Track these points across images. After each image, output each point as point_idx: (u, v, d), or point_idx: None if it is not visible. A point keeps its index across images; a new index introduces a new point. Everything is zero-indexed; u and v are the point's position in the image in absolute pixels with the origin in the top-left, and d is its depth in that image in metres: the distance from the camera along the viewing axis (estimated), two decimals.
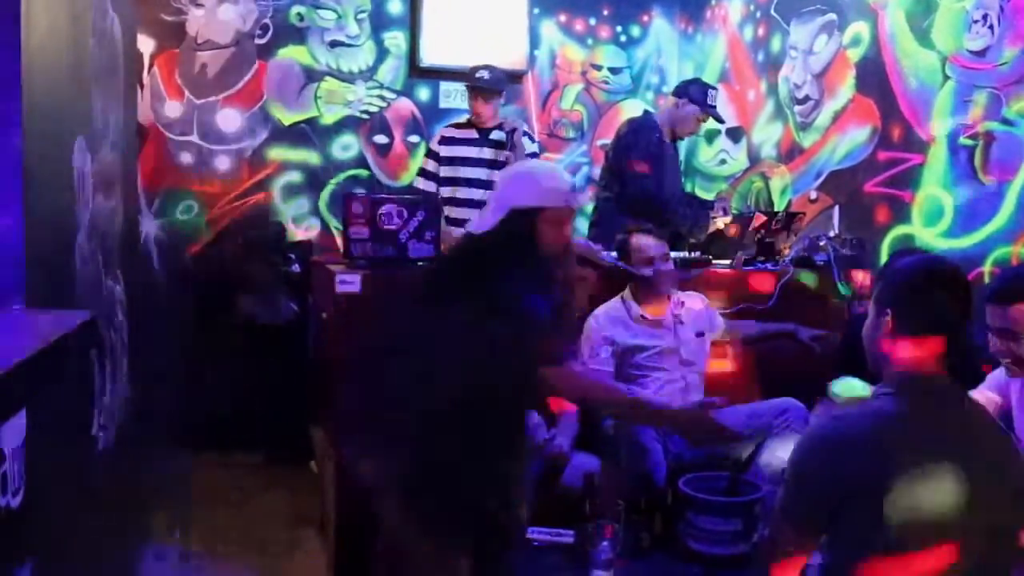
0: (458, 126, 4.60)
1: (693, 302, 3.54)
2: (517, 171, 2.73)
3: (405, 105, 5.52)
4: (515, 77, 5.58)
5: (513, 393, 2.27)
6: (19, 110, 2.14)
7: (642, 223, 3.57)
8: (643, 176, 4.17)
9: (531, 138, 4.56)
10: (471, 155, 4.49)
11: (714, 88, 4.48)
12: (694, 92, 4.40)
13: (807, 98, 4.73)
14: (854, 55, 4.35)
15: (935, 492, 1.75)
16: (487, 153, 4.46)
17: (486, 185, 4.33)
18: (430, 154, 4.62)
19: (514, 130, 4.38)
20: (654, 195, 4.15)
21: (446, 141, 4.55)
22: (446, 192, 4.50)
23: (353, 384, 2.41)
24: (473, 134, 4.51)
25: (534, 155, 4.47)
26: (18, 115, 2.14)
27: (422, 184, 4.59)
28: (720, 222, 4.27)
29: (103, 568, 3.06)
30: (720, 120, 4.68)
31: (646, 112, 4.72)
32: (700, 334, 3.48)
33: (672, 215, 4.20)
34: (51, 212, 2.45)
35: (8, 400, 1.58)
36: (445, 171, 4.52)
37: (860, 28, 4.31)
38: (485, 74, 4.43)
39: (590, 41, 5.93)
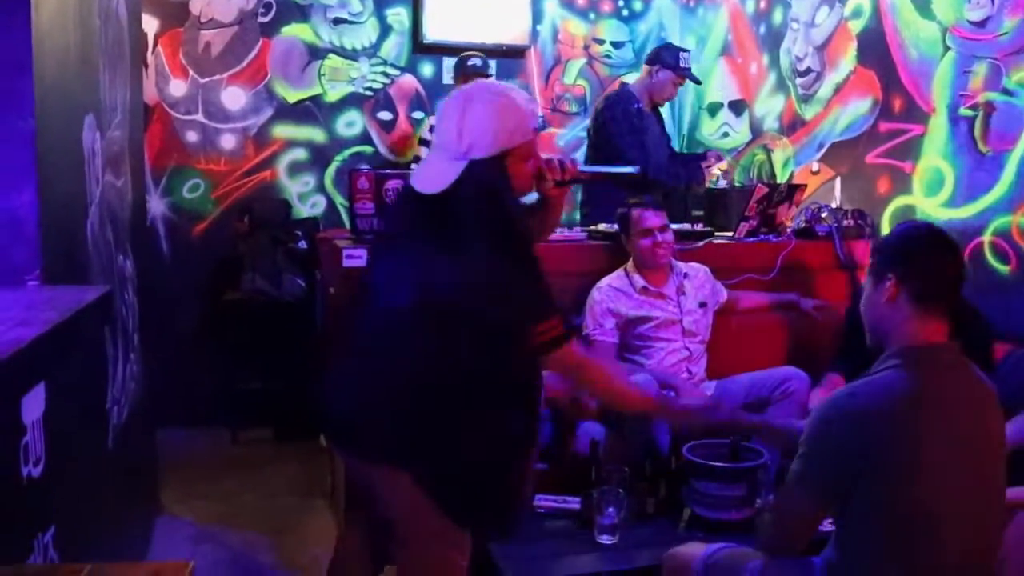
0: None
1: (696, 273, 3.58)
2: (467, 111, 2.10)
3: (408, 81, 5.54)
4: (517, 52, 5.59)
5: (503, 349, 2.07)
6: (31, 89, 2.18)
7: (641, 196, 3.60)
8: (625, 148, 4.22)
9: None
10: None
11: (685, 51, 4.57)
12: (666, 57, 4.47)
13: (809, 70, 4.74)
14: (855, 27, 4.36)
15: (949, 467, 1.79)
16: None
17: None
18: (432, 128, 4.68)
19: None
20: (639, 163, 4.20)
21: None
22: None
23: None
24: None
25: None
26: (30, 95, 2.18)
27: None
28: (716, 169, 4.43)
29: (119, 537, 3.12)
30: (696, 80, 4.75)
31: (622, 84, 4.76)
32: (703, 305, 3.52)
33: (661, 180, 4.28)
34: (63, 190, 2.49)
35: (28, 373, 1.63)
36: None
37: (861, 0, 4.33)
38: (478, 61, 4.75)
39: (592, 15, 5.93)
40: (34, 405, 2.00)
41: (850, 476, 1.80)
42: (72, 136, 2.63)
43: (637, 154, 4.21)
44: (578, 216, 4.77)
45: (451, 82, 5.54)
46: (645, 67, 4.59)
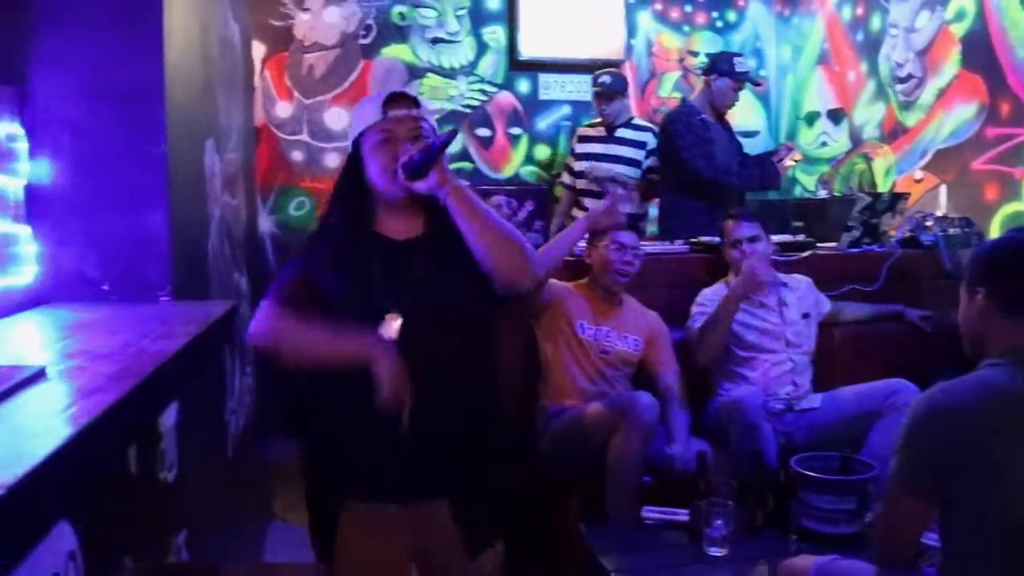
0: (591, 125, 5.02)
1: (797, 284, 3.56)
2: None
3: (506, 98, 5.62)
4: (613, 67, 5.63)
5: None
6: (163, 117, 2.32)
7: (737, 207, 3.60)
8: (691, 160, 4.24)
9: (655, 132, 4.79)
10: (600, 151, 4.86)
11: (740, 55, 4.56)
12: (721, 65, 4.46)
13: (910, 76, 4.67)
14: (958, 30, 4.28)
15: None
16: (616, 149, 4.82)
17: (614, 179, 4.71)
18: (571, 151, 5.07)
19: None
20: (706, 175, 4.21)
21: (581, 139, 4.99)
22: (582, 185, 4.87)
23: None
24: (602, 132, 4.88)
25: (642, 144, 4.77)
26: (162, 122, 2.32)
27: (566, 179, 5.05)
28: (790, 161, 4.41)
29: (237, 541, 3.25)
30: (755, 83, 4.73)
31: (682, 99, 4.81)
32: (806, 315, 3.49)
33: (730, 186, 4.30)
34: (188, 210, 2.63)
35: (172, 382, 1.72)
36: (580, 166, 4.88)
37: (964, 1, 4.24)
38: (607, 79, 4.79)
39: (686, 28, 5.94)
40: (169, 413, 2.12)
41: (944, 475, 1.79)
42: (196, 159, 2.78)
43: (703, 164, 4.23)
44: (656, 229, 4.80)
45: (547, 97, 5.64)
46: (703, 78, 4.60)
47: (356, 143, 1.96)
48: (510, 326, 3.25)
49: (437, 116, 5.45)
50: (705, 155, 4.27)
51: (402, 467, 1.91)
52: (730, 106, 4.56)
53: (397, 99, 1.92)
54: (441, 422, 1.90)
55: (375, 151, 1.91)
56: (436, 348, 1.89)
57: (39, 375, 1.38)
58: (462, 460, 1.95)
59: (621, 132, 4.82)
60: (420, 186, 1.84)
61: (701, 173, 4.22)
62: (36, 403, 1.28)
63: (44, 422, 1.19)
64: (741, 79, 4.44)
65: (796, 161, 4.51)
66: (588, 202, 4.69)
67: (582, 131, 5.05)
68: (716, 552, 2.58)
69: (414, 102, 1.93)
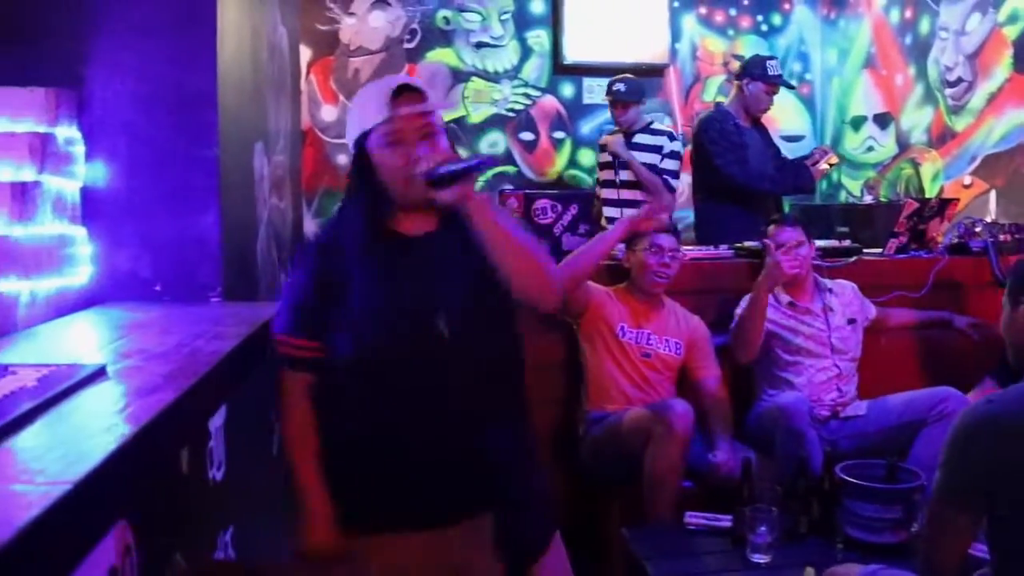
0: (612, 134, 4.89)
1: (842, 290, 3.53)
2: None
3: (550, 102, 5.64)
4: (657, 71, 5.63)
5: None
6: (216, 121, 2.36)
7: (776, 213, 3.58)
8: (723, 166, 4.21)
9: (671, 135, 4.66)
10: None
11: (772, 58, 4.48)
12: (753, 69, 4.41)
13: (959, 80, 4.61)
14: (1011, 32, 4.22)
15: None
16: (635, 155, 4.70)
17: (638, 187, 4.58)
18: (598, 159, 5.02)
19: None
20: (739, 180, 4.19)
21: (602, 148, 4.89)
22: (606, 193, 4.78)
23: None
24: (621, 139, 4.76)
25: (675, 153, 4.64)
26: (215, 125, 2.36)
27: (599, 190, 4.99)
28: (825, 164, 4.34)
29: (280, 540, 3.28)
30: (789, 86, 4.68)
31: (716, 104, 4.74)
32: (851, 322, 3.46)
33: (763, 190, 4.26)
34: (239, 212, 2.67)
35: (228, 380, 1.75)
36: (604, 174, 4.80)
37: (1017, 3, 4.18)
38: (621, 87, 4.67)
39: (731, 32, 5.91)
40: (218, 412, 2.16)
41: (991, 486, 1.77)
42: (245, 162, 2.82)
43: (736, 170, 4.20)
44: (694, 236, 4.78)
45: (591, 101, 5.64)
46: (735, 83, 4.55)
47: (360, 143, 1.81)
48: (548, 328, 3.26)
49: (482, 118, 5.50)
50: (738, 160, 4.24)
51: (438, 488, 1.80)
52: (764, 110, 4.52)
53: (402, 94, 1.77)
54: (480, 427, 1.81)
55: (385, 153, 1.78)
56: (474, 344, 1.81)
57: (100, 373, 1.42)
58: (503, 470, 1.84)
59: (638, 138, 4.70)
60: (442, 197, 1.73)
61: (734, 179, 4.20)
62: (96, 401, 1.32)
63: (105, 420, 1.22)
64: (774, 83, 4.40)
65: (831, 165, 4.44)
66: (608, 211, 4.63)
67: (601, 139, 4.98)
68: (759, 559, 2.56)
69: (420, 95, 1.80)
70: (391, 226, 1.85)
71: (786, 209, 4.57)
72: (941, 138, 4.76)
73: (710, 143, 4.28)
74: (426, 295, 1.80)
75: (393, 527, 1.81)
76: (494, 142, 5.56)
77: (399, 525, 1.81)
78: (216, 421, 2.16)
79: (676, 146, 4.63)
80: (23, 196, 2.07)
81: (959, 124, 4.61)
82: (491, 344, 1.85)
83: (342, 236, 1.86)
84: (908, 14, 5.07)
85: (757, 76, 4.39)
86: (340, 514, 1.88)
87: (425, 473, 1.80)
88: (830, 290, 3.49)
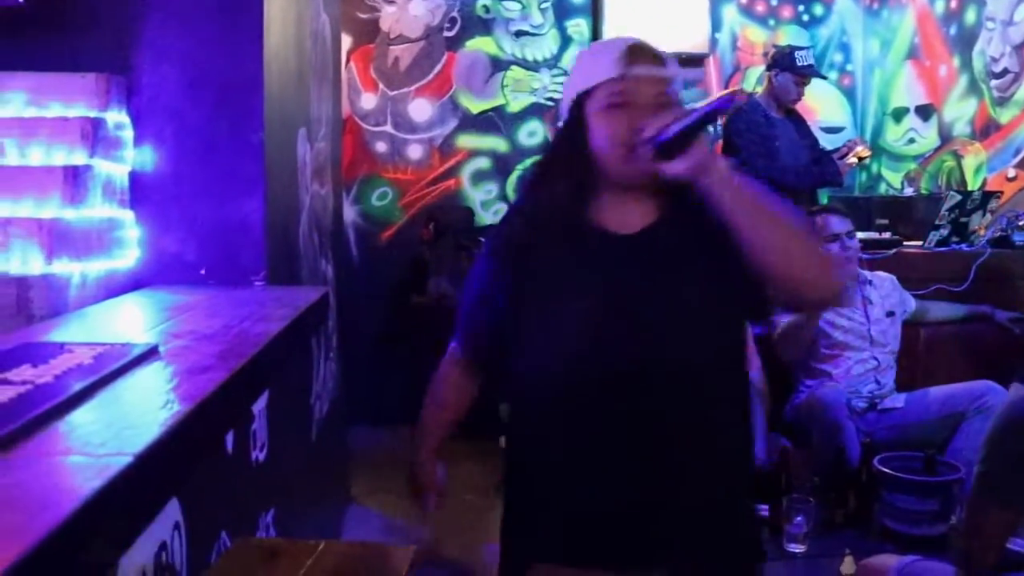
0: None
1: (881, 282, 3.51)
2: None
3: None
4: (697, 60, 5.60)
5: None
6: (261, 107, 2.39)
7: (809, 205, 3.56)
8: (750, 157, 4.18)
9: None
10: None
11: (802, 48, 4.44)
12: (782, 59, 4.37)
13: (1005, 71, 4.55)
14: None
15: None
16: None
17: None
18: None
19: None
20: (765, 174, 4.14)
21: None
22: None
23: None
24: None
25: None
26: (260, 111, 2.39)
27: None
28: (852, 158, 4.29)
29: (319, 522, 3.33)
30: (819, 75, 4.60)
31: (748, 96, 4.70)
32: (891, 314, 3.44)
33: (787, 183, 4.18)
34: (282, 198, 2.70)
35: (276, 361, 1.78)
36: None
37: None
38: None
39: (772, 22, 5.86)
40: (262, 396, 2.19)
41: None
42: (289, 148, 2.85)
43: (762, 163, 4.16)
44: None
45: None
46: (766, 74, 4.52)
47: (579, 103, 1.52)
48: None
49: (521, 107, 5.51)
50: (766, 153, 4.22)
51: (618, 527, 1.50)
52: (794, 101, 4.48)
53: (639, 53, 1.49)
54: (677, 478, 1.49)
55: (606, 116, 1.48)
56: (679, 378, 1.48)
57: (152, 352, 1.45)
58: (691, 525, 1.51)
59: None
60: (673, 168, 1.41)
61: (761, 172, 4.17)
62: (150, 380, 1.35)
63: (159, 398, 1.25)
64: (803, 73, 4.36)
65: (861, 159, 4.37)
66: None
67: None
68: (796, 548, 2.58)
69: (660, 60, 1.50)
70: (596, 219, 1.54)
71: (823, 201, 4.54)
72: (985, 130, 4.70)
73: (736, 135, 4.26)
74: (634, 312, 1.48)
75: (554, 558, 1.54)
76: (533, 131, 5.56)
77: (561, 556, 1.54)
78: (259, 404, 2.20)
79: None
80: (75, 180, 2.11)
81: (1004, 116, 4.55)
82: (714, 376, 1.53)
83: (531, 226, 1.56)
84: (953, 4, 5.00)
85: (785, 66, 4.36)
86: (511, 536, 1.65)
87: (603, 508, 1.50)
88: (869, 282, 3.47)
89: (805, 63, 4.36)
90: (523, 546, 1.60)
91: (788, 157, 4.31)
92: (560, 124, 1.58)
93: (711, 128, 1.42)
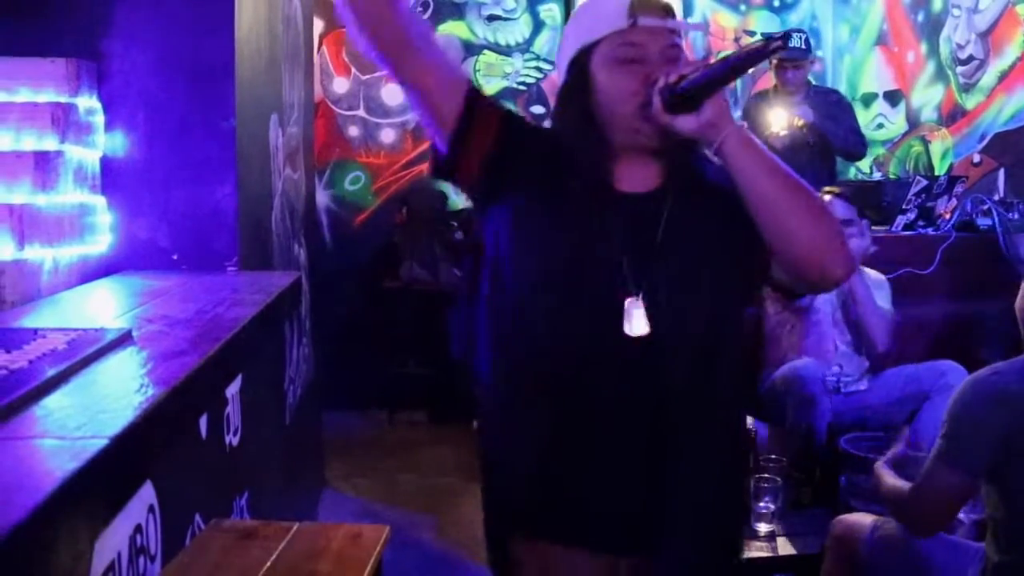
0: None
1: (874, 281, 3.53)
2: None
3: None
4: None
5: None
6: (233, 92, 2.39)
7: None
8: None
9: None
10: None
11: (776, 36, 4.41)
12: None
13: (971, 58, 4.61)
14: None
15: None
16: None
17: None
18: None
19: None
20: None
21: None
22: None
23: None
24: None
25: None
26: (232, 97, 2.40)
27: None
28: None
29: (293, 506, 3.35)
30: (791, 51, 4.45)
31: None
32: None
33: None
34: (254, 183, 2.71)
35: (246, 346, 1.80)
36: None
37: None
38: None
39: (743, 7, 5.89)
40: (235, 380, 2.21)
41: (996, 456, 1.80)
42: (261, 133, 2.86)
43: None
44: None
45: None
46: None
47: (583, 57, 1.40)
48: None
49: (493, 91, 5.51)
50: None
51: (606, 505, 1.45)
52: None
53: (645, 2, 1.38)
54: (689, 452, 1.42)
55: (615, 71, 1.38)
56: (689, 346, 1.41)
57: (126, 337, 1.46)
58: (681, 503, 1.43)
59: None
60: (685, 123, 1.31)
61: None
62: (124, 364, 1.36)
63: (133, 382, 1.26)
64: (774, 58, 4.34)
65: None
66: None
67: None
68: (763, 528, 2.62)
69: (667, 9, 1.40)
70: (601, 175, 1.43)
71: None
72: (951, 116, 4.77)
73: None
74: (632, 274, 1.39)
75: (550, 535, 1.48)
76: None
77: (555, 534, 1.48)
78: (233, 388, 2.21)
79: None
80: (46, 165, 2.11)
81: (970, 102, 4.61)
82: (711, 349, 1.43)
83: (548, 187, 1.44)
84: None
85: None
86: (503, 508, 1.56)
87: (597, 490, 1.44)
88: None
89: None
90: (507, 522, 1.54)
91: None
92: (561, 84, 1.47)
93: (738, 81, 1.23)
